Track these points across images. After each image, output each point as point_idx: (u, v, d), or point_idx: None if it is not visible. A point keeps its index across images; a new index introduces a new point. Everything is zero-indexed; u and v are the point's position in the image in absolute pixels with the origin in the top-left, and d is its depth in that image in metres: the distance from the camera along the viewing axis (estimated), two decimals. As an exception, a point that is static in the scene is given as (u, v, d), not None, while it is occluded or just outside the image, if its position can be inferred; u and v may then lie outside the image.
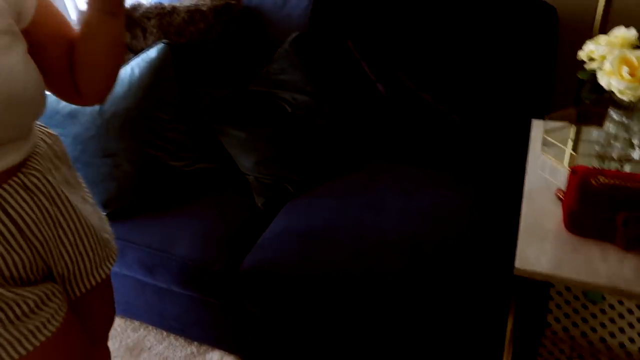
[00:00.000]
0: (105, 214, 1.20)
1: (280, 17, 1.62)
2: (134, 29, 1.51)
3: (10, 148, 0.75)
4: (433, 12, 1.45)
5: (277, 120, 1.46)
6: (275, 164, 1.42)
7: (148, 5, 1.55)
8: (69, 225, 0.82)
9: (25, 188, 0.76)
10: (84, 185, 0.93)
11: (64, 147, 0.89)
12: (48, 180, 0.79)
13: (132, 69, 1.43)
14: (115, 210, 1.38)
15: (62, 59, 0.81)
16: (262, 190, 1.40)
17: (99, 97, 0.92)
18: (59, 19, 0.85)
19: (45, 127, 0.87)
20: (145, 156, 1.38)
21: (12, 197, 0.74)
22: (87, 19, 0.81)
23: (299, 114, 1.47)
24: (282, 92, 1.51)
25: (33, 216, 0.76)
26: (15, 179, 0.75)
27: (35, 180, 0.77)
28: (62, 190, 0.81)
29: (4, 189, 0.74)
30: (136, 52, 1.52)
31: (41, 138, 0.83)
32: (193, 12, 1.52)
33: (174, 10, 1.53)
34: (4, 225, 0.73)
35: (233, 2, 1.58)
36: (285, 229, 1.27)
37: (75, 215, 0.83)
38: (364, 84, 1.50)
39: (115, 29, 0.81)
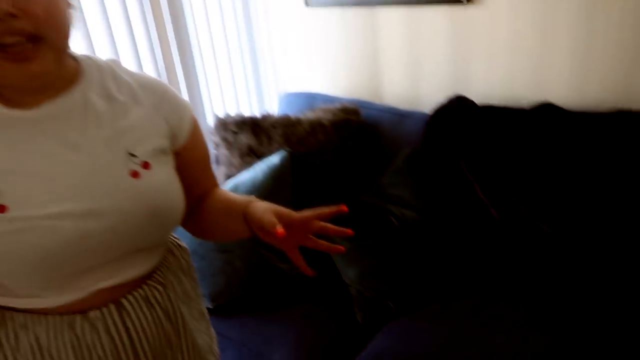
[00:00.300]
0: (211, 307, 1.25)
1: (395, 134, 1.69)
2: (261, 136, 1.66)
3: (142, 258, 0.79)
4: (552, 138, 1.43)
5: (384, 233, 1.48)
6: (378, 278, 1.41)
7: (276, 116, 1.70)
8: (180, 346, 0.83)
9: (147, 301, 0.79)
10: (201, 295, 0.95)
11: (190, 259, 0.93)
12: (169, 296, 0.82)
13: (255, 172, 1.55)
14: (220, 305, 1.44)
15: (191, 190, 0.87)
16: (363, 304, 1.38)
17: (201, 237, 0.98)
18: (204, 155, 0.92)
19: (176, 239, 0.92)
20: (257, 255, 1.44)
21: (133, 309, 0.77)
22: (231, 214, 0.86)
23: (406, 230, 1.48)
24: (392, 206, 1.54)
25: (148, 331, 0.78)
26: (140, 290, 0.79)
27: (157, 295, 0.80)
28: (179, 308, 0.83)
29: (128, 300, 0.77)
30: (259, 156, 1.65)
31: (170, 250, 0.88)
32: (315, 125, 1.64)
33: (298, 122, 1.66)
34: (120, 337, 0.76)
35: (352, 117, 1.68)
36: (385, 351, 1.23)
37: (186, 335, 0.84)
38: (475, 207, 1.48)
39: (245, 234, 0.85)
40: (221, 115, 1.74)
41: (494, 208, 1.44)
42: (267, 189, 1.51)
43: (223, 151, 1.71)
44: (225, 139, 1.70)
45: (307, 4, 1.99)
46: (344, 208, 0.83)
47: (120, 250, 0.75)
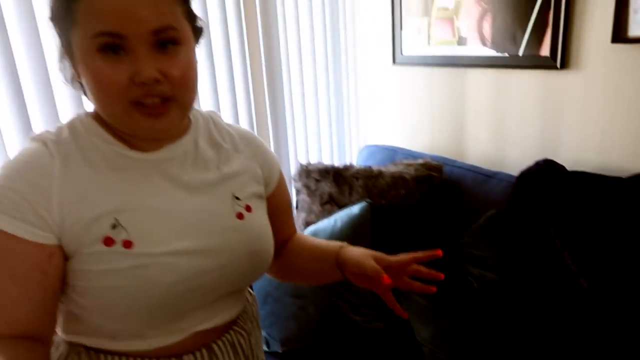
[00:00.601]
0: (280, 351, 1.24)
1: (478, 193, 1.67)
2: (342, 185, 1.69)
3: (233, 302, 0.83)
4: (653, 214, 1.34)
5: (462, 294, 1.43)
6: (453, 340, 1.35)
7: (358, 167, 1.73)
8: None
9: (233, 347, 0.81)
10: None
11: (258, 308, 0.96)
12: (250, 342, 0.85)
13: (335, 220, 1.57)
14: (290, 350, 1.43)
15: (276, 235, 0.90)
16: (437, 366, 1.33)
17: (285, 280, 1.01)
18: (288, 203, 0.98)
19: (249, 287, 0.95)
20: (331, 304, 1.44)
21: (222, 354, 0.80)
22: (321, 257, 0.89)
23: (486, 293, 1.42)
24: (471, 267, 1.49)
25: None
26: (227, 335, 0.81)
27: (242, 341, 0.83)
28: (257, 355, 0.86)
29: (217, 345, 0.80)
30: (340, 205, 1.68)
31: (246, 297, 0.91)
32: (397, 178, 1.65)
33: (380, 174, 1.68)
34: None
35: (435, 174, 1.68)
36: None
37: None
38: (563, 275, 1.40)
39: (336, 277, 0.88)
40: (304, 162, 1.80)
41: (584, 278, 1.36)
42: (346, 238, 1.52)
43: (304, 197, 1.76)
44: (307, 186, 1.75)
45: (394, 62, 2.06)
46: (439, 252, 0.84)
47: (223, 290, 0.78)
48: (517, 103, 1.77)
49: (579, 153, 1.66)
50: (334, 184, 1.70)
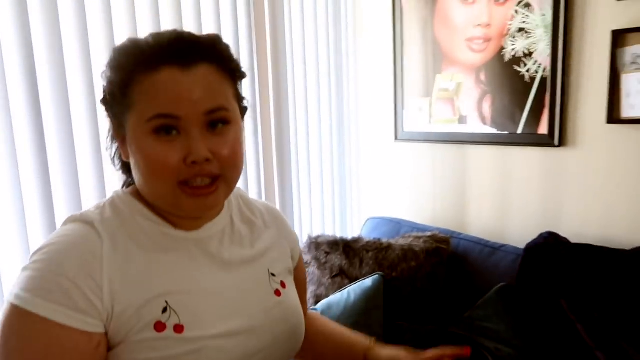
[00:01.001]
0: None
1: (486, 266, 1.69)
2: (353, 258, 1.70)
3: None
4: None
5: (480, 370, 1.41)
6: (475, 419, 1.32)
7: (367, 240, 1.76)
8: None
9: None
10: None
11: None
12: None
13: (348, 293, 1.57)
14: None
15: None
16: None
17: None
18: (305, 278, 0.99)
19: None
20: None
21: None
22: (348, 350, 0.91)
23: (503, 368, 1.41)
24: (485, 340, 1.49)
25: None
26: None
27: None
28: None
29: None
30: (350, 278, 1.68)
31: None
32: (407, 251, 1.68)
33: (389, 246, 1.70)
34: None
35: (443, 246, 1.71)
36: None
37: None
38: (578, 349, 1.40)
39: None
40: (312, 234, 1.82)
41: (600, 351, 1.37)
42: (359, 311, 1.52)
43: (313, 270, 1.76)
44: (316, 258, 1.75)
45: (397, 138, 2.15)
46: (467, 351, 0.85)
47: None
48: (517, 178, 1.84)
49: (580, 226, 1.72)
50: (344, 256, 1.71)
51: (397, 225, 1.97)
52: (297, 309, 0.84)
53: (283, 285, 0.84)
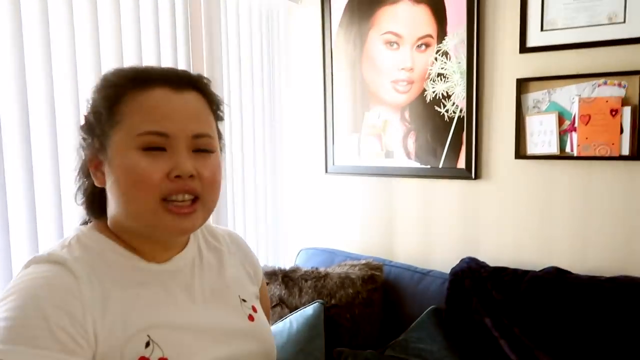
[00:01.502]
0: None
1: (417, 291, 1.81)
2: (292, 288, 1.74)
3: None
4: (577, 297, 1.57)
5: (417, 388, 1.50)
6: None
7: (305, 269, 1.80)
8: None
9: None
10: None
11: None
12: None
13: (290, 322, 1.60)
14: None
15: None
16: None
17: None
18: (269, 305, 1.03)
19: None
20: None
21: None
22: None
23: (437, 385, 1.51)
24: (420, 360, 1.58)
25: None
26: None
27: None
28: None
29: None
30: (291, 308, 1.71)
31: None
32: (344, 279, 1.75)
33: (327, 275, 1.77)
34: None
35: (377, 273, 1.81)
36: None
37: None
38: (502, 363, 1.54)
39: None
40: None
41: (522, 364, 1.52)
42: (302, 339, 1.55)
43: (252, 301, 1.77)
44: (255, 289, 1.76)
45: (327, 171, 2.25)
46: None
47: None
48: (440, 208, 2.01)
49: (496, 251, 1.91)
50: (283, 286, 1.74)
51: (331, 254, 2.05)
52: (269, 332, 0.87)
53: (254, 309, 0.86)
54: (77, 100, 1.40)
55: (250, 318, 0.84)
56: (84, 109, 0.77)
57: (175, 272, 0.78)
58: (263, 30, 2.16)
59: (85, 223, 0.82)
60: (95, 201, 0.79)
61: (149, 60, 1.64)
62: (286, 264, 2.21)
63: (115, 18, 1.50)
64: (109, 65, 1.49)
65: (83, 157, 0.77)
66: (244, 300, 0.86)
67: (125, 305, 0.70)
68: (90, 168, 0.75)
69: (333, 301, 1.70)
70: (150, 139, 0.70)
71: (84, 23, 1.42)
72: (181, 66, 1.77)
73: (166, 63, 1.70)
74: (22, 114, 1.26)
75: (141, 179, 0.69)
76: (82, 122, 0.76)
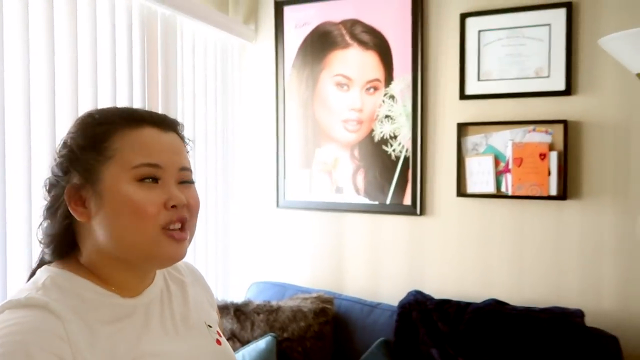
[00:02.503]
0: None
1: (366, 323, 1.86)
2: (244, 322, 1.74)
3: None
4: (516, 327, 1.68)
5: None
6: None
7: (257, 303, 1.81)
8: None
9: None
10: None
11: None
12: None
13: (242, 356, 1.59)
14: None
15: None
16: None
17: None
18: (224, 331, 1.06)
19: None
20: None
21: None
22: None
23: (387, 416, 1.55)
24: (370, 392, 1.62)
25: None
26: None
27: None
28: None
29: None
30: (242, 341, 1.71)
31: None
32: (296, 312, 1.77)
33: (279, 308, 1.79)
34: None
35: (328, 306, 1.85)
36: None
37: None
38: (448, 392, 1.61)
39: None
40: (201, 300, 1.81)
41: (466, 392, 1.59)
42: (255, 373, 1.55)
43: (203, 336, 1.74)
44: (206, 324, 1.75)
45: (278, 205, 2.29)
46: None
47: None
48: (387, 243, 2.10)
49: (440, 284, 2.01)
50: (235, 319, 1.74)
51: (282, 288, 2.07)
52: (233, 355, 0.90)
53: (219, 334, 0.90)
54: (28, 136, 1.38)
55: (218, 342, 0.87)
56: (56, 148, 0.78)
57: (149, 304, 0.80)
58: (218, 66, 2.21)
59: (42, 264, 0.80)
60: (63, 240, 0.78)
61: (105, 93, 1.63)
62: (237, 297, 2.20)
63: (72, 49, 1.50)
64: (63, 99, 1.47)
65: (53, 196, 0.77)
66: (210, 326, 0.89)
67: (110, 340, 0.71)
68: (70, 204, 0.75)
69: (285, 334, 1.72)
70: (145, 171, 0.74)
71: (40, 56, 1.41)
72: (136, 98, 1.77)
73: (122, 95, 1.71)
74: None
75: (140, 210, 0.73)
76: (57, 161, 0.77)
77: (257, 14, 2.34)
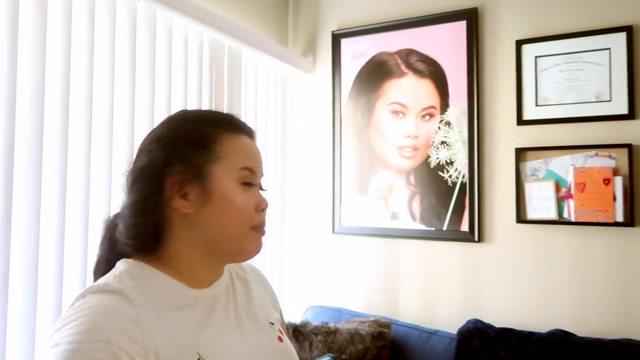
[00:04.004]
0: None
1: (424, 349, 1.83)
2: (303, 342, 1.75)
3: None
4: (583, 359, 1.60)
5: None
6: None
7: (315, 324, 1.82)
8: None
9: None
10: None
11: None
12: None
13: (302, 376, 1.59)
14: None
15: None
16: None
17: None
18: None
19: None
20: None
21: None
22: None
23: None
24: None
25: None
26: None
27: None
28: None
29: None
30: (300, 362, 1.71)
31: None
32: (354, 334, 1.77)
33: (337, 330, 1.79)
34: None
35: (386, 330, 1.83)
36: None
37: None
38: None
39: None
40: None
41: None
42: (314, 393, 1.55)
43: (261, 355, 1.76)
44: (264, 343, 1.77)
45: (334, 231, 2.32)
46: None
47: None
48: (444, 269, 2.07)
49: (499, 312, 1.95)
50: (293, 339, 1.75)
51: (338, 312, 2.07)
52: (294, 352, 0.91)
53: (281, 332, 0.92)
54: (111, 141, 1.49)
55: (280, 339, 0.89)
56: (145, 142, 0.84)
57: (216, 296, 0.85)
58: (278, 95, 2.31)
59: (118, 256, 0.83)
60: (151, 232, 0.81)
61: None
62: (293, 320, 2.21)
63: (149, 84, 1.63)
64: (142, 122, 1.59)
65: (145, 188, 0.80)
66: (272, 324, 0.91)
67: (177, 325, 0.75)
68: (175, 196, 0.80)
69: (343, 356, 1.71)
70: (246, 174, 0.83)
71: (122, 85, 1.54)
72: (204, 124, 1.88)
73: (191, 120, 1.81)
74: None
75: (242, 210, 0.81)
76: (156, 154, 0.81)
77: (315, 46, 2.44)
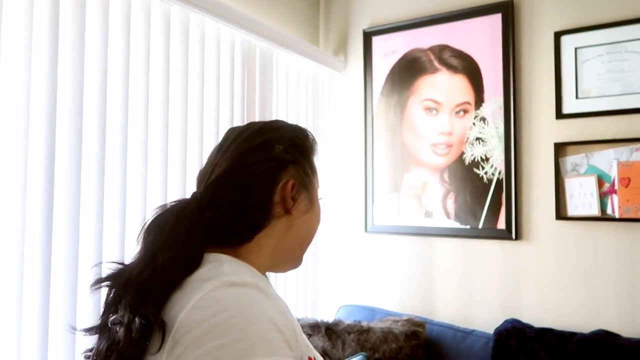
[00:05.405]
0: None
1: (460, 349, 1.79)
2: (336, 340, 1.74)
3: None
4: (618, 365, 1.53)
5: None
6: None
7: (348, 322, 1.81)
8: None
9: None
10: None
11: None
12: None
13: (334, 374, 1.59)
14: None
15: None
16: None
17: None
18: None
19: None
20: None
21: None
22: None
23: None
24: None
25: None
26: None
27: None
28: None
29: None
30: (334, 359, 1.71)
31: None
32: (387, 333, 1.75)
33: (370, 329, 1.77)
34: None
35: (420, 330, 1.81)
36: None
37: None
38: None
39: None
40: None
41: None
42: (347, 391, 1.54)
43: (294, 353, 1.77)
44: (298, 341, 1.77)
45: (366, 230, 2.30)
46: None
47: None
48: (480, 268, 2.02)
49: (538, 312, 1.89)
50: (326, 338, 1.75)
51: (371, 311, 2.05)
52: None
53: None
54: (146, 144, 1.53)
55: None
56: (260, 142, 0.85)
57: None
58: (309, 95, 2.32)
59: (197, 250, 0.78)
60: (250, 229, 0.81)
61: (209, 117, 1.78)
62: (325, 319, 2.21)
63: (182, 86, 1.66)
64: (175, 124, 1.63)
65: (258, 188, 0.81)
66: None
67: (285, 314, 0.75)
68: (288, 199, 0.82)
69: (376, 355, 1.70)
70: (319, 191, 0.91)
71: (158, 84, 1.58)
72: (236, 123, 1.91)
73: (224, 120, 1.84)
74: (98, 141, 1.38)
75: (319, 226, 0.91)
76: (281, 157, 0.84)
77: (347, 45, 2.44)
